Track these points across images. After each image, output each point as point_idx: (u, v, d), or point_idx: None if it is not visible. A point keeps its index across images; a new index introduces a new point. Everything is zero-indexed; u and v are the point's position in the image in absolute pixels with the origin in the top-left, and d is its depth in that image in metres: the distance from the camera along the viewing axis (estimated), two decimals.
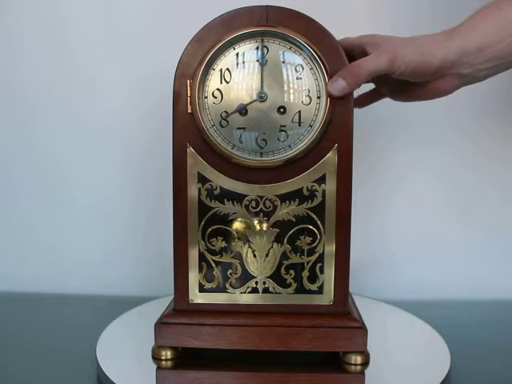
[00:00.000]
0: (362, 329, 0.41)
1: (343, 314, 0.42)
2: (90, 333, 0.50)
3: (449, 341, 0.49)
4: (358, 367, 0.42)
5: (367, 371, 0.42)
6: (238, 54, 0.41)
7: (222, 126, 0.41)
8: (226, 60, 0.41)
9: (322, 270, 0.42)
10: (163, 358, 0.42)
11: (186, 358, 0.43)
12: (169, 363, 0.43)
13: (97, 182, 0.66)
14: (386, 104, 0.50)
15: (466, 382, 0.45)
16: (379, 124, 0.63)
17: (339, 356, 0.42)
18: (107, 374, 0.42)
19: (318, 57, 0.40)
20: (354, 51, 0.43)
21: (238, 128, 0.41)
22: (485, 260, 0.65)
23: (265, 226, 0.42)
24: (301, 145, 0.41)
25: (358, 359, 0.42)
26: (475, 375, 0.46)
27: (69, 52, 0.65)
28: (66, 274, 0.67)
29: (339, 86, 0.39)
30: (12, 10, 0.64)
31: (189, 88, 0.41)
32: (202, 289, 0.43)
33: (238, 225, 0.42)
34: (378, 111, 0.56)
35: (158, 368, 0.42)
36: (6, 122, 0.66)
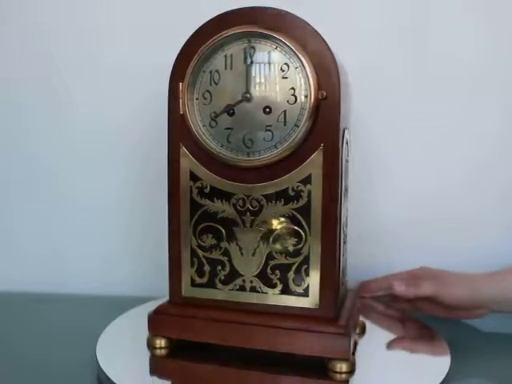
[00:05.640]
0: (345, 336, 0.40)
1: (328, 319, 0.41)
2: (90, 333, 0.49)
3: (449, 340, 0.48)
4: (344, 375, 0.40)
5: (367, 371, 0.42)
6: (226, 56, 0.42)
7: (212, 127, 0.42)
8: (216, 62, 0.42)
9: (307, 273, 0.41)
10: (157, 346, 0.45)
11: (182, 349, 0.45)
12: (163, 351, 0.45)
13: (96, 183, 0.67)
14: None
15: (466, 382, 0.44)
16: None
17: (324, 362, 0.41)
18: (107, 373, 0.42)
19: (302, 55, 0.39)
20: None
21: (226, 128, 0.42)
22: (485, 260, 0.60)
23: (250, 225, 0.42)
24: (286, 144, 0.41)
25: (344, 367, 0.40)
26: (475, 375, 0.45)
27: (64, 56, 0.65)
28: (65, 275, 0.67)
29: (401, 287, 0.53)
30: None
31: (180, 90, 0.43)
32: (193, 283, 0.44)
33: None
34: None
35: (153, 356, 0.45)
36: (4, 132, 0.68)
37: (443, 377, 0.41)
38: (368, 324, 0.51)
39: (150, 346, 0.45)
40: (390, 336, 0.51)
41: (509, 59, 0.61)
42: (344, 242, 0.45)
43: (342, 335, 0.40)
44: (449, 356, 0.45)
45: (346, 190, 0.45)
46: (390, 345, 0.49)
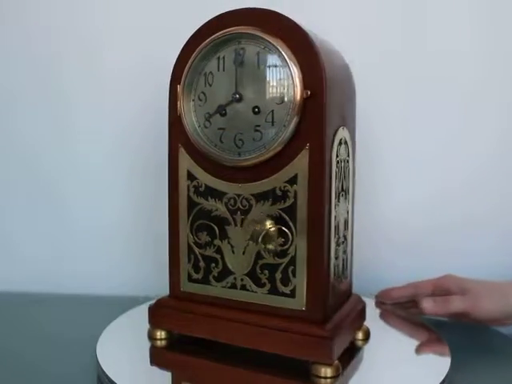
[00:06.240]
0: (329, 340, 0.39)
1: (314, 322, 0.40)
2: (90, 333, 0.49)
3: (449, 341, 0.47)
4: (328, 380, 0.39)
5: (366, 372, 0.42)
6: (219, 58, 0.43)
7: (206, 127, 0.44)
8: (210, 64, 0.43)
9: (294, 273, 0.41)
10: (158, 337, 0.47)
11: (182, 341, 0.46)
12: (163, 342, 0.47)
13: (97, 184, 0.67)
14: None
15: (466, 382, 0.43)
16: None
17: (308, 366, 0.40)
18: (107, 373, 0.41)
19: (287, 55, 0.39)
20: (436, 293, 0.53)
21: (219, 128, 0.43)
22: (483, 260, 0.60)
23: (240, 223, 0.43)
24: (275, 145, 0.40)
25: (328, 372, 0.39)
26: (475, 375, 0.45)
27: (64, 57, 0.65)
28: (66, 275, 0.66)
29: (429, 305, 0.51)
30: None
31: (178, 92, 0.44)
32: (190, 279, 0.46)
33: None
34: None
35: (153, 347, 0.47)
36: (3, 133, 0.68)
37: (443, 377, 0.41)
38: (376, 328, 0.49)
39: (151, 337, 0.47)
40: (395, 339, 0.50)
41: (509, 60, 0.59)
42: (339, 244, 0.44)
43: (325, 339, 0.39)
44: (449, 356, 0.44)
45: (345, 190, 0.44)
46: (419, 349, 0.48)
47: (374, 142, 0.59)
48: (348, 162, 0.45)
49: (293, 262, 0.41)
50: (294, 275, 0.41)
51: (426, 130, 0.61)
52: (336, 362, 0.40)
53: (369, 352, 0.46)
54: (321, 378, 0.39)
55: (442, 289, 0.53)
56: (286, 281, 0.41)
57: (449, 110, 0.61)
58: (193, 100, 0.44)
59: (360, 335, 0.47)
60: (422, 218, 0.61)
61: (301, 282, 0.41)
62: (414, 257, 0.60)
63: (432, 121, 0.61)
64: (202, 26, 0.44)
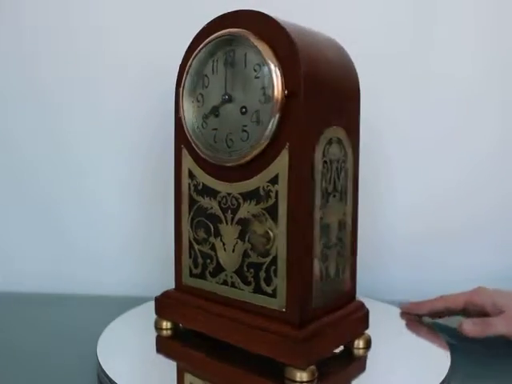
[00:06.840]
0: (304, 343, 0.38)
1: (292, 324, 0.40)
2: (90, 333, 0.49)
3: (449, 341, 0.48)
4: None
5: (365, 373, 0.42)
6: (213, 60, 0.44)
7: (203, 128, 0.45)
8: (207, 66, 0.44)
9: (275, 274, 0.41)
10: (164, 327, 0.49)
11: (187, 333, 0.48)
12: (169, 332, 0.49)
13: (98, 183, 0.67)
14: None
15: (466, 382, 0.43)
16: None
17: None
18: (108, 373, 0.41)
19: (268, 55, 0.39)
20: (468, 308, 0.50)
21: (213, 129, 0.44)
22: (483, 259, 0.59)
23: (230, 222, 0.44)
24: (258, 144, 0.41)
25: (304, 376, 0.39)
26: (475, 375, 0.44)
27: (70, 63, 0.65)
28: (66, 274, 0.66)
29: (469, 327, 0.48)
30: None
31: (180, 95, 0.46)
32: (191, 273, 0.48)
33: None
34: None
35: (158, 336, 0.49)
36: (7, 137, 0.67)
37: (443, 377, 0.41)
38: (377, 330, 0.47)
39: (157, 327, 0.49)
40: (395, 340, 0.49)
41: (506, 67, 0.58)
42: (330, 247, 0.42)
43: (300, 342, 0.38)
44: (449, 356, 0.44)
45: (339, 191, 0.43)
46: (419, 349, 0.47)
47: (375, 143, 0.56)
48: (344, 161, 0.43)
49: (274, 262, 0.41)
50: (276, 275, 0.41)
51: (427, 131, 0.58)
52: (312, 367, 0.39)
53: (368, 353, 0.45)
54: (295, 382, 0.39)
55: (474, 305, 0.50)
56: (268, 280, 0.41)
57: (450, 112, 0.59)
58: (192, 102, 0.46)
59: (360, 343, 0.45)
60: (424, 220, 0.58)
61: (281, 282, 0.40)
62: (415, 258, 0.57)
63: (433, 121, 0.58)
64: (204, 27, 0.45)
